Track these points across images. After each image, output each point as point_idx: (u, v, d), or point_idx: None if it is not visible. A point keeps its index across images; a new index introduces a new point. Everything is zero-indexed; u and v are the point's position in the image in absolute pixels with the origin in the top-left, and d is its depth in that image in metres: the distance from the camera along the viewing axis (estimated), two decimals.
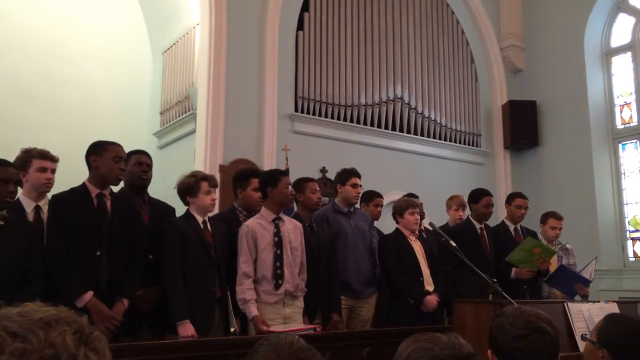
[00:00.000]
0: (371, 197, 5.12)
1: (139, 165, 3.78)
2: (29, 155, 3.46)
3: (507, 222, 5.16)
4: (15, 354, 0.80)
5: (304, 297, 3.91)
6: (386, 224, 5.25)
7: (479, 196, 5.00)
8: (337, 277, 4.27)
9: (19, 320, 0.84)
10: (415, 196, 5.22)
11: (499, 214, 5.62)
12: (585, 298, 4.77)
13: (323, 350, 3.24)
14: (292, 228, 3.88)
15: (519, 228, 5.15)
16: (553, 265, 5.03)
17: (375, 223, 5.12)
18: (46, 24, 8.34)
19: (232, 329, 3.49)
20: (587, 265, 5.08)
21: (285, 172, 4.04)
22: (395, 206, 4.72)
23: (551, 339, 1.76)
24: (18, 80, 7.93)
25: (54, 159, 3.55)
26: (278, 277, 3.69)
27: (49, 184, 3.50)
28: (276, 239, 3.75)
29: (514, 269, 4.77)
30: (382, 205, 5.15)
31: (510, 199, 5.23)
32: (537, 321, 1.78)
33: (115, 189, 3.59)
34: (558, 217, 5.27)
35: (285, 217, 3.91)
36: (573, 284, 4.84)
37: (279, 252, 3.73)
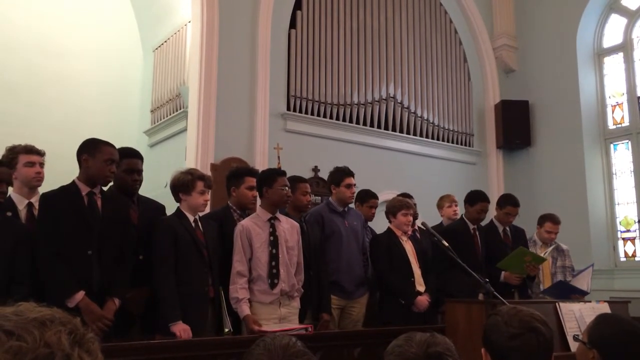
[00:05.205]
0: (366, 197, 5.07)
1: (130, 173, 3.67)
2: (14, 152, 3.43)
3: (496, 223, 5.14)
4: (10, 352, 0.80)
5: None
6: (379, 224, 5.24)
7: (476, 200, 4.95)
8: (326, 277, 4.23)
9: (14, 319, 0.85)
10: (410, 196, 5.20)
11: (490, 212, 5.61)
12: None
13: (315, 350, 3.23)
14: (288, 227, 3.84)
15: (508, 229, 5.12)
16: (546, 268, 5.04)
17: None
18: (35, 20, 8.25)
19: (226, 329, 3.46)
20: (583, 271, 5.05)
21: (283, 173, 3.94)
22: (389, 205, 4.69)
23: (545, 339, 1.77)
24: (4, 76, 7.83)
25: (40, 153, 3.50)
26: (273, 276, 3.65)
27: (39, 177, 3.46)
28: (272, 238, 3.72)
29: (503, 273, 4.76)
30: (376, 207, 5.11)
31: (502, 204, 5.09)
32: (532, 321, 1.78)
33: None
34: (555, 222, 5.21)
35: (281, 217, 3.87)
36: (570, 295, 4.83)
37: (274, 251, 3.69)
